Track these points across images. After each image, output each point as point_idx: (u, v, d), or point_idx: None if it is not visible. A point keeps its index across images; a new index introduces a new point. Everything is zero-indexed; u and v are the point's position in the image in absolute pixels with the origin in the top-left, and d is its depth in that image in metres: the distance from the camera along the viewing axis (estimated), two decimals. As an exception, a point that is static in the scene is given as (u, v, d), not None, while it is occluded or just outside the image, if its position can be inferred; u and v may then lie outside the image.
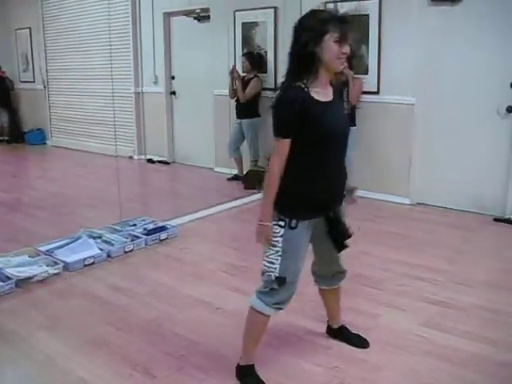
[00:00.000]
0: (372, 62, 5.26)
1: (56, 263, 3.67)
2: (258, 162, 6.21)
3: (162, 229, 4.37)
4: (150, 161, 7.64)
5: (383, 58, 5.23)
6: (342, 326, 2.73)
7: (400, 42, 5.09)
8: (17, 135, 9.11)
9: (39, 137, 9.31)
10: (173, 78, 7.42)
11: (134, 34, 7.51)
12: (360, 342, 2.68)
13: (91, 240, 4.04)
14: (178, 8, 6.95)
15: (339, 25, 2.04)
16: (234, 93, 6.21)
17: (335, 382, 2.39)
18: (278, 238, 2.18)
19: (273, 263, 2.19)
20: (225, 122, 6.49)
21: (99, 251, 3.91)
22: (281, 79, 2.19)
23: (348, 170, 2.34)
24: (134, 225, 4.48)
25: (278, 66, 6.07)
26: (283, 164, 2.12)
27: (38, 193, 6.18)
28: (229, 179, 6.44)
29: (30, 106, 9.31)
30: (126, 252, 4.01)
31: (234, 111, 6.32)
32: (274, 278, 2.18)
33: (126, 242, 4.07)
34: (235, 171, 6.47)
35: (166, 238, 4.31)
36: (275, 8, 6.04)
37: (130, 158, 7.79)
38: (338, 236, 2.30)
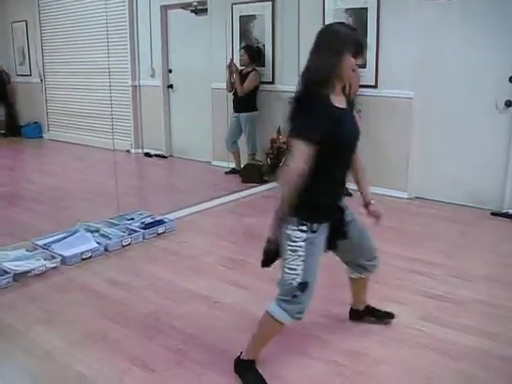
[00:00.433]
0: (370, 55, 5.22)
1: (53, 257, 3.66)
2: (256, 156, 6.20)
3: (160, 223, 4.37)
4: (148, 154, 7.62)
5: (381, 51, 5.21)
6: (367, 305, 2.85)
7: (398, 35, 5.07)
8: (13, 129, 9.09)
9: (36, 130, 9.28)
10: (170, 71, 7.40)
11: (131, 27, 7.46)
12: (387, 315, 2.83)
13: (89, 234, 4.03)
14: (176, 1, 6.92)
15: (356, 41, 2.16)
16: (231, 86, 6.18)
17: (334, 377, 2.39)
18: (301, 243, 2.18)
19: (295, 269, 2.18)
20: (222, 115, 6.47)
21: (96, 245, 3.90)
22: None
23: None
24: (132, 219, 4.46)
25: (276, 59, 6.05)
26: (303, 174, 2.08)
27: (35, 186, 6.16)
28: (226, 173, 6.43)
29: (27, 99, 9.27)
30: (123, 246, 4.00)
31: (232, 105, 6.30)
32: (296, 285, 2.17)
33: (123, 236, 4.06)
34: (233, 165, 6.46)
35: (164, 232, 4.30)
36: (273, 1, 6.00)
37: (127, 151, 7.77)
38: (339, 236, 2.36)
